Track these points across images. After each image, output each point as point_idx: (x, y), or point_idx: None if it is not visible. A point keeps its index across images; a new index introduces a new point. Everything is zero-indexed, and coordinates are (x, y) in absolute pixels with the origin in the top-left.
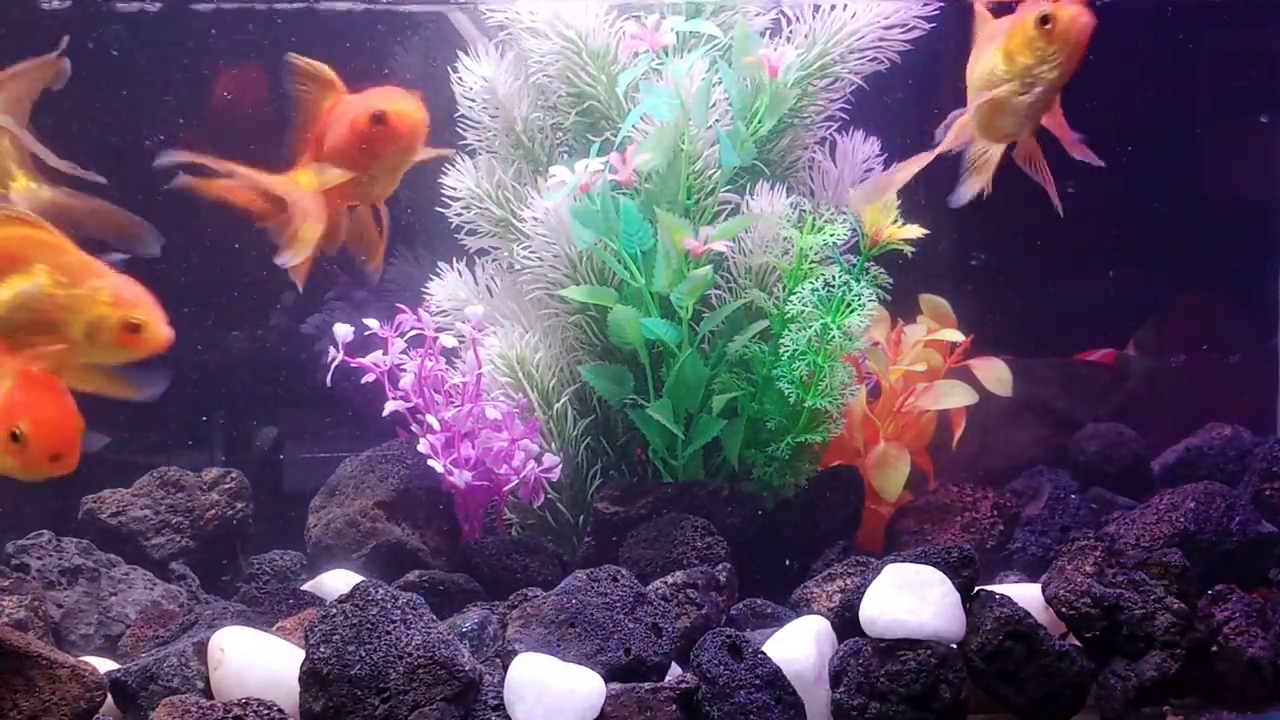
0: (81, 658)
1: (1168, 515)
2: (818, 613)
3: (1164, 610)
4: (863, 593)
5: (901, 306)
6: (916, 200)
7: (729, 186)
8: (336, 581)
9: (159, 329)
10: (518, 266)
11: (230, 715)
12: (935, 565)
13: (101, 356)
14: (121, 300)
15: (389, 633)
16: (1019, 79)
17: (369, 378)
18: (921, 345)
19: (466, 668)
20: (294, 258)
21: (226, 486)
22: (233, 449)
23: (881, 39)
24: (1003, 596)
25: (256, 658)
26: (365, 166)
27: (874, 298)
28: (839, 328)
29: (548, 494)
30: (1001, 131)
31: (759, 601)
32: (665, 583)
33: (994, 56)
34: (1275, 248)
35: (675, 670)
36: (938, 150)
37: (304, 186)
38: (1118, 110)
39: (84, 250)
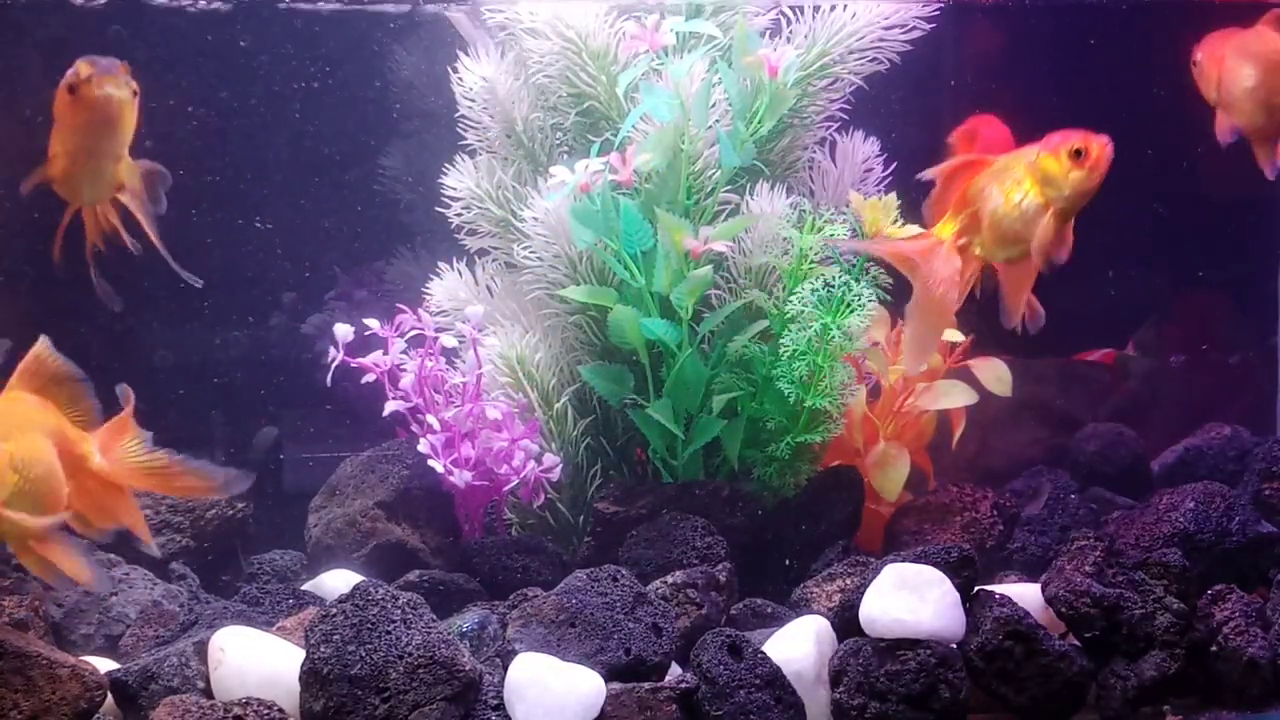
0: (82, 658)
1: (1167, 515)
2: (818, 613)
3: (1164, 610)
4: (863, 593)
5: (901, 306)
6: (916, 200)
7: (729, 186)
8: (336, 581)
9: (1103, 148)
10: (518, 266)
11: (230, 715)
12: (935, 565)
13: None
14: (1051, 143)
15: (389, 632)
16: None
17: (369, 378)
18: None
19: (466, 667)
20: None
21: None
22: (233, 449)
23: (881, 39)
24: (1002, 596)
25: (256, 658)
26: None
27: (874, 298)
28: (839, 328)
29: (548, 494)
30: None
31: (759, 601)
32: (665, 583)
33: None
34: (1275, 248)
35: (675, 670)
36: None
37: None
38: (1118, 109)
39: None
